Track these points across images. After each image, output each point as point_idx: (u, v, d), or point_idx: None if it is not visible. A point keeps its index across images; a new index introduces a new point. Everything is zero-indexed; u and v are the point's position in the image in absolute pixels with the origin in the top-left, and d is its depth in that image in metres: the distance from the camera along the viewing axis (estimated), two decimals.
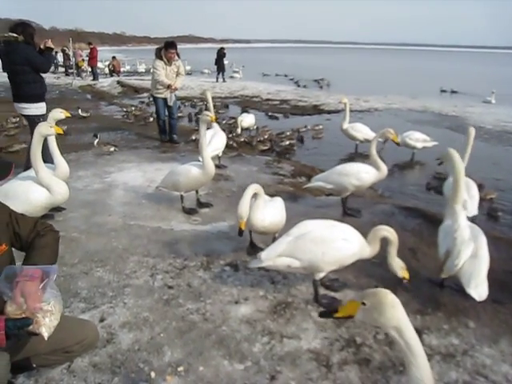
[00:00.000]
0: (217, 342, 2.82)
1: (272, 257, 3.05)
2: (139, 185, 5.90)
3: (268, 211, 3.67)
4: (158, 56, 7.99)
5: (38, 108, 5.79)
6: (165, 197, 5.28)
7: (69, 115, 4.74)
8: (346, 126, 8.49)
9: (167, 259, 3.90)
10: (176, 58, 8.10)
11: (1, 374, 1.91)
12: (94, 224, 4.65)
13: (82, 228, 4.53)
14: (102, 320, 3.04)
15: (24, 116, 6.02)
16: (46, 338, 1.94)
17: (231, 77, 25.64)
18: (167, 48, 7.90)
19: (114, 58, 27.23)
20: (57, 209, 4.75)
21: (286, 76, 28.23)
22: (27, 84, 5.60)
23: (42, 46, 5.78)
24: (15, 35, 5.41)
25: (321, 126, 10.60)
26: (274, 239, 3.82)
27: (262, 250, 3.44)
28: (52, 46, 5.87)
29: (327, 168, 6.42)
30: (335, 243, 3.06)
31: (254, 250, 3.95)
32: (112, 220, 4.76)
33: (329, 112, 13.61)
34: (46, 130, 4.11)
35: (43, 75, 5.86)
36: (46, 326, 1.94)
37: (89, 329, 2.44)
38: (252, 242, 4.06)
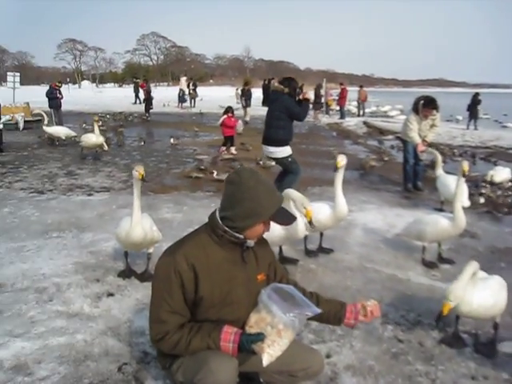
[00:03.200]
0: None
1: None
2: (378, 228, 5.87)
3: (478, 292, 3.01)
4: (414, 109, 7.80)
5: (282, 151, 6.41)
6: (403, 244, 5.13)
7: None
8: None
9: (400, 310, 3.75)
10: (434, 112, 7.81)
11: (230, 375, 2.08)
12: (332, 259, 4.78)
13: (321, 261, 4.71)
14: (327, 356, 3.07)
15: (271, 158, 6.77)
16: (264, 365, 2.06)
17: (504, 126, 23.63)
18: (425, 106, 7.61)
19: (361, 86, 27.64)
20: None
21: None
22: (277, 129, 6.32)
23: (300, 97, 6.53)
24: (282, 87, 6.31)
25: None
26: (496, 326, 3.24)
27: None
28: (309, 98, 6.65)
29: None
30: None
31: (456, 341, 3.36)
32: (348, 259, 4.82)
33: None
34: None
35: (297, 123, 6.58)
36: (269, 354, 2.06)
37: (316, 358, 2.48)
38: (457, 331, 3.41)
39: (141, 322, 3.44)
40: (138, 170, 3.89)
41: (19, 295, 3.88)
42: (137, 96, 31.42)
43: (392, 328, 3.48)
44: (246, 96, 22.50)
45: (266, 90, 26.84)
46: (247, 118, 20.73)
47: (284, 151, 6.40)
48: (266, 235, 2.33)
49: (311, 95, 6.79)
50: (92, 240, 5.14)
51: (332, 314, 2.37)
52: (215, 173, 8.43)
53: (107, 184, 7.90)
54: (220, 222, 2.18)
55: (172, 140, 12.67)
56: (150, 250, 4.19)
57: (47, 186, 7.73)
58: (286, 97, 6.27)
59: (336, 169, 4.66)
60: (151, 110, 22.40)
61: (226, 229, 2.16)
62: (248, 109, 21.54)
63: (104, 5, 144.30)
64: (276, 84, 6.54)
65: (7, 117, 15.14)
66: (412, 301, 3.92)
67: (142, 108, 23.65)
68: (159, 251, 4.27)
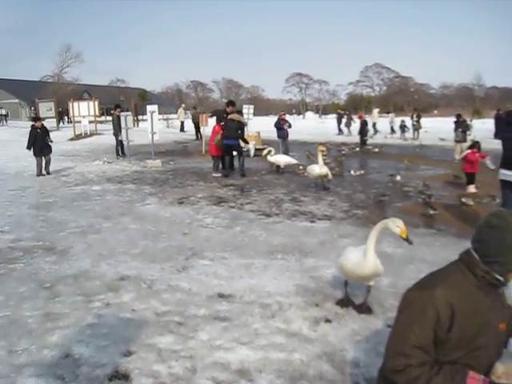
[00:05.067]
0: None
1: None
2: None
3: None
4: None
5: None
6: None
7: None
8: None
9: None
10: None
11: None
12: None
13: None
14: None
15: (503, 181, 6.13)
16: None
17: None
18: None
19: None
20: None
21: None
22: None
23: None
24: None
25: None
26: None
27: None
28: None
29: None
30: None
31: None
32: None
33: None
34: None
35: None
36: None
37: None
38: None
39: (356, 353, 3.46)
40: (400, 226, 3.67)
41: (246, 307, 4.26)
42: (339, 127, 31.91)
43: None
44: (461, 127, 20.26)
45: (498, 120, 24.41)
46: (457, 156, 16.95)
47: None
48: None
49: None
50: (313, 265, 5.36)
51: None
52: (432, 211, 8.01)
53: (329, 212, 8.15)
54: (481, 263, 2.09)
55: (398, 177, 12.04)
56: (371, 283, 4.18)
57: (274, 210, 8.35)
58: None
59: None
60: (368, 141, 22.33)
61: (489, 270, 2.06)
62: (463, 144, 17.74)
63: (330, 40, 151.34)
64: None
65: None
66: None
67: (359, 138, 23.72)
68: (378, 284, 4.32)
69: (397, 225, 3.68)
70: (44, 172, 13.27)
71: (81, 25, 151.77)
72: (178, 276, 5.10)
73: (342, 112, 33.94)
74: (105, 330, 3.86)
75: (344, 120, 31.88)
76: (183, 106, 33.09)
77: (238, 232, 6.90)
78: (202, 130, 19.98)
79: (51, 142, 13.72)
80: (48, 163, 13.32)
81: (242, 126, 12.68)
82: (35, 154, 13.25)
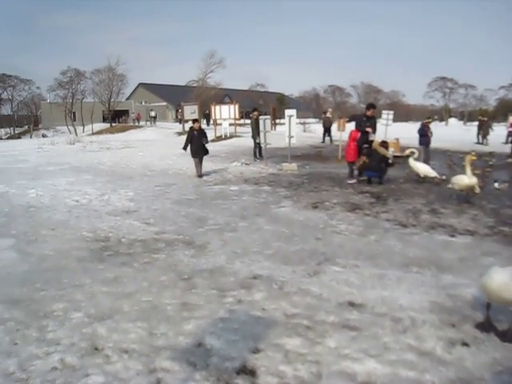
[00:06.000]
0: None
1: None
2: None
3: None
4: None
5: None
6: None
7: None
8: None
9: None
10: None
11: None
12: None
13: None
14: None
15: None
16: None
17: None
18: None
19: None
20: None
21: None
22: None
23: None
24: None
25: None
26: None
27: None
28: None
29: None
30: None
31: None
32: None
33: None
34: None
35: None
36: None
37: None
38: None
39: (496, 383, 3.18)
40: None
41: (376, 319, 4.14)
42: (478, 135, 29.20)
43: None
44: None
45: None
46: None
47: None
48: None
49: None
50: (451, 283, 5.02)
51: None
52: None
53: (471, 227, 7.55)
54: None
55: None
56: None
57: (410, 221, 7.97)
58: None
59: None
60: None
61: None
62: None
63: (477, 40, 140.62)
64: None
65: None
66: None
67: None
68: None
69: None
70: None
71: (224, 31, 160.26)
72: (309, 280, 5.12)
73: (483, 119, 31.16)
74: (236, 325, 4.03)
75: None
76: (330, 110, 32.64)
77: (373, 241, 6.73)
78: (339, 134, 19.67)
79: (206, 143, 13.88)
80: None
81: (386, 160, 12.22)
82: (192, 155, 13.75)
